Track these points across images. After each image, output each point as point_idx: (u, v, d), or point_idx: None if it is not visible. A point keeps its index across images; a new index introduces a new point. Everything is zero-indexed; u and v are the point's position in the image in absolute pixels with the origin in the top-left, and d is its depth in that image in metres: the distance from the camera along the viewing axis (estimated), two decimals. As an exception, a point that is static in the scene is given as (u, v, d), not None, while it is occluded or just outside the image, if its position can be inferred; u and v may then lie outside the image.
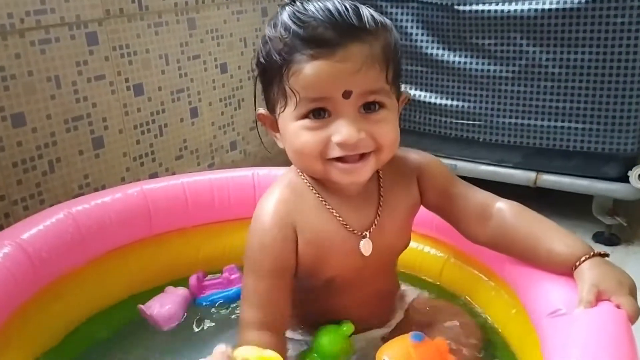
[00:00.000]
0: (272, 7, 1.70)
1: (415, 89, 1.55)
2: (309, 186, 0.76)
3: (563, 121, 1.38)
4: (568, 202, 1.56)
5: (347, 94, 0.66)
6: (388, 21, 0.72)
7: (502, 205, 0.79)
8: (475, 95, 1.47)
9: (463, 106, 1.49)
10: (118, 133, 1.31)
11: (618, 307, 0.64)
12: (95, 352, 0.88)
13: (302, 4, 0.69)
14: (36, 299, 0.86)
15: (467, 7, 1.40)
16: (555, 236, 0.73)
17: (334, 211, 0.75)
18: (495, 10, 1.36)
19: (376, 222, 0.76)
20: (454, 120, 1.52)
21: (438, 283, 1.01)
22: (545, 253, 0.73)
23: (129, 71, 1.32)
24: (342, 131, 0.67)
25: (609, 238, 1.43)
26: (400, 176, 0.80)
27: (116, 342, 0.91)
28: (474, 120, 1.49)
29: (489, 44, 1.41)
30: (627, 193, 1.36)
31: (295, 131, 0.69)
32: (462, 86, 1.48)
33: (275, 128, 0.74)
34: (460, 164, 1.56)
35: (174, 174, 1.47)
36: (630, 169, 1.33)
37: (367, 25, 0.67)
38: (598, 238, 1.44)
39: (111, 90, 1.28)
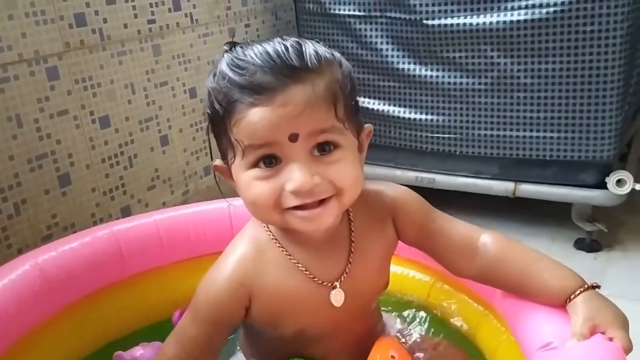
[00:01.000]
0: (240, 29, 1.67)
1: (389, 105, 1.54)
2: (272, 239, 0.72)
3: (538, 131, 1.37)
4: (548, 211, 1.55)
5: (293, 137, 0.62)
6: (336, 54, 0.68)
7: (487, 239, 0.76)
8: (450, 108, 1.46)
9: (438, 120, 1.48)
10: (85, 168, 1.27)
11: (611, 339, 0.63)
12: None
13: (242, 48, 0.65)
14: (7, 356, 0.81)
15: (436, 22, 1.39)
16: (546, 269, 0.72)
17: (300, 265, 0.71)
18: (464, 24, 1.35)
19: (347, 271, 0.72)
20: (429, 135, 1.51)
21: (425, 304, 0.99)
22: (537, 287, 0.71)
23: (93, 104, 1.28)
24: (294, 178, 0.62)
25: (590, 244, 1.43)
26: (374, 216, 0.76)
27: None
28: (450, 133, 1.48)
29: (460, 57, 1.40)
30: (606, 199, 1.36)
31: (246, 182, 0.65)
32: (436, 100, 1.47)
33: (232, 177, 0.70)
34: (439, 178, 1.55)
35: (147, 205, 1.42)
36: (608, 175, 1.33)
37: (309, 63, 0.63)
38: (579, 245, 1.44)
39: (75, 124, 1.24)
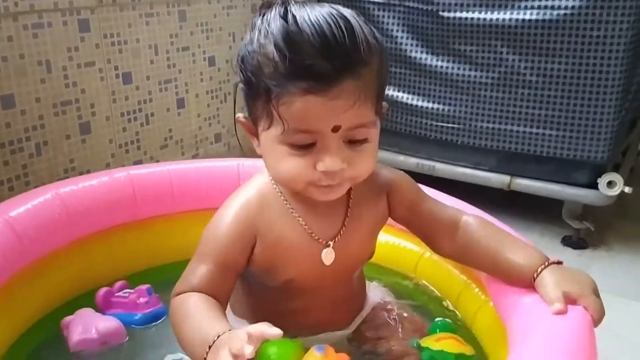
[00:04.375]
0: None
1: (398, 91, 1.60)
2: (277, 192, 0.76)
3: (538, 127, 1.43)
4: (539, 208, 1.62)
5: (336, 129, 0.65)
6: (379, 38, 0.68)
7: (468, 219, 0.81)
8: (456, 99, 1.52)
9: (443, 109, 1.54)
10: (105, 120, 1.33)
11: (585, 308, 0.66)
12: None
13: (294, 17, 0.63)
14: (22, 275, 0.88)
15: (452, 14, 1.45)
16: (514, 248, 0.75)
17: (300, 218, 0.75)
18: (478, 18, 1.41)
19: (341, 233, 0.77)
20: (434, 123, 1.57)
21: (413, 276, 1.06)
22: (505, 265, 0.75)
23: (118, 59, 1.34)
24: (326, 161, 0.66)
25: (577, 242, 1.49)
26: (371, 191, 0.80)
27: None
28: (454, 123, 1.54)
29: (471, 50, 1.46)
30: (596, 199, 1.42)
31: (280, 154, 0.68)
32: (444, 90, 1.53)
33: (255, 134, 0.73)
34: (439, 166, 1.60)
35: (158, 162, 1.49)
36: (600, 176, 1.39)
37: (362, 54, 0.63)
38: (566, 242, 1.50)
39: (100, 77, 1.30)
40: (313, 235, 0.75)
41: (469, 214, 0.82)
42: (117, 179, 1.03)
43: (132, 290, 0.94)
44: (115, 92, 1.35)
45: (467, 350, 0.81)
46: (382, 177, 0.82)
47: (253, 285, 0.81)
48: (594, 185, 1.41)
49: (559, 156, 1.43)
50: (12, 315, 0.84)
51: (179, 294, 0.72)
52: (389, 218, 0.85)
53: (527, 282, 0.72)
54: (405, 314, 0.90)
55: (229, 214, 0.75)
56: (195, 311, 0.69)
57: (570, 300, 0.67)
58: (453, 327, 0.89)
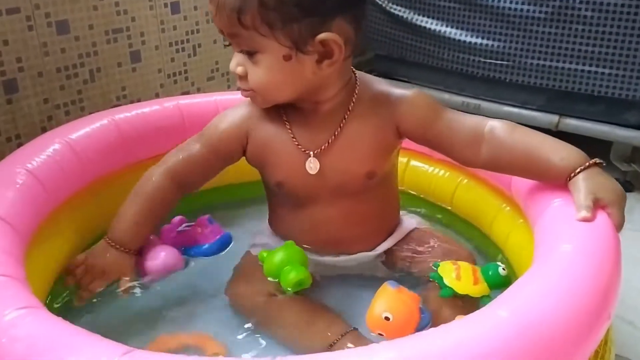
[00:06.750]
0: None
1: (446, 26, 1.56)
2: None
3: (590, 65, 1.39)
4: (587, 150, 1.58)
5: (220, 31, 0.76)
6: None
7: (494, 124, 0.79)
8: (506, 34, 1.48)
9: (492, 45, 1.51)
10: (154, 49, 1.35)
11: (609, 215, 0.68)
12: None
13: None
14: (82, 194, 0.93)
15: (506, -56, 1.39)
16: (549, 149, 0.74)
17: (289, 126, 0.82)
18: (534, -52, 1.36)
19: (328, 144, 0.81)
20: (481, 59, 1.54)
21: (449, 208, 1.08)
22: (541, 167, 0.74)
23: (167, -12, 1.35)
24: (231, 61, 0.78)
25: (623, 184, 1.45)
26: (375, 109, 0.81)
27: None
28: (502, 60, 1.51)
29: (524, -17, 1.41)
30: (646, 141, 1.39)
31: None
32: (494, 25, 1.49)
33: None
34: (484, 104, 1.58)
35: (205, 94, 1.51)
36: (652, 117, 1.36)
37: None
38: (612, 184, 1.48)
39: (149, 5, 1.32)
40: (295, 142, 0.82)
41: (493, 120, 0.80)
42: (167, 108, 1.06)
43: (192, 222, 0.96)
44: (164, 22, 1.36)
45: (466, 290, 0.78)
46: (394, 96, 0.82)
47: (274, 197, 0.89)
48: (645, 127, 1.38)
49: (611, 95, 1.39)
50: (74, 232, 0.90)
51: (162, 166, 0.88)
52: (410, 141, 0.84)
53: (563, 181, 0.72)
54: (439, 238, 0.91)
55: (235, 112, 0.87)
56: (143, 200, 0.87)
57: (599, 205, 0.68)
58: (499, 273, 0.82)
